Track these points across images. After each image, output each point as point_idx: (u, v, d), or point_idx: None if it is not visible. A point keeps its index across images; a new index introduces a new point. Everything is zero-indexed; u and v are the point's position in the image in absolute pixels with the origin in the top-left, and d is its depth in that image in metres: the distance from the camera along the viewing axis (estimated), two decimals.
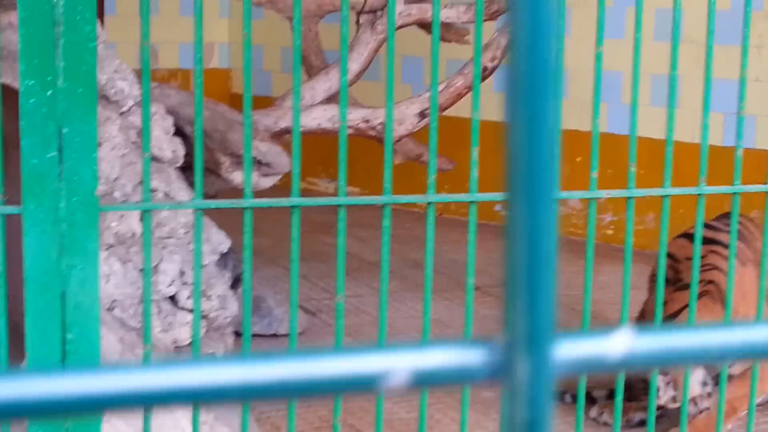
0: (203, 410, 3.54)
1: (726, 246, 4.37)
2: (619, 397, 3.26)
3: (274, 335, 5.84)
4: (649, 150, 7.54)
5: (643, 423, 3.94)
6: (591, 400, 5.00)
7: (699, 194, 3.24)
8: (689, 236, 4.78)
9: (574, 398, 4.45)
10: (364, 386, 0.51)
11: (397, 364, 0.51)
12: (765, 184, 3.30)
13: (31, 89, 2.61)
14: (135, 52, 7.32)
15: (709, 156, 3.25)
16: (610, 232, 8.21)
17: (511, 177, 0.50)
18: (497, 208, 8.43)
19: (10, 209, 2.71)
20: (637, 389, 4.64)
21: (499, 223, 8.26)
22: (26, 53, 2.61)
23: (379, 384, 0.51)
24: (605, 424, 4.74)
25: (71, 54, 2.61)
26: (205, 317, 4.65)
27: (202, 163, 2.82)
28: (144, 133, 2.71)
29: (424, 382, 0.52)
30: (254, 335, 5.71)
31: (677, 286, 4.57)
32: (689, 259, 4.49)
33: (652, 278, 4.80)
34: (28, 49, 2.61)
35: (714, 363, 0.57)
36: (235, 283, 5.57)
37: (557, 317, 0.52)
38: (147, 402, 0.51)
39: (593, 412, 4.88)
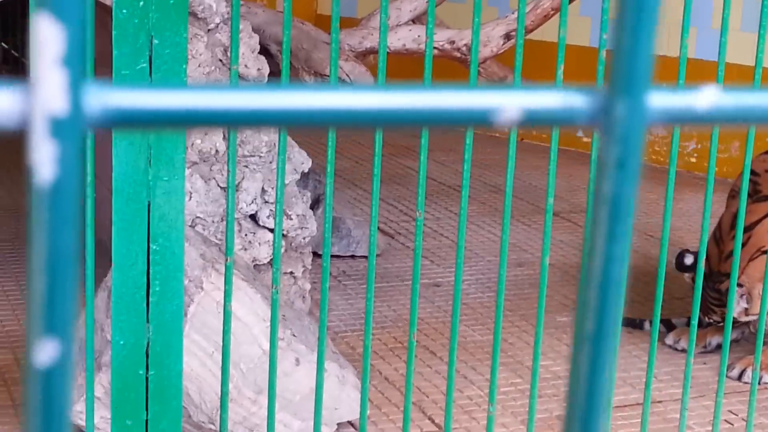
0: (280, 327, 3.58)
1: None
2: (695, 321, 3.25)
3: (353, 256, 5.87)
4: (739, 77, 7.43)
5: (719, 347, 3.94)
6: (670, 327, 5.00)
7: None
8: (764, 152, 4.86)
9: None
10: (480, 119, 0.58)
11: (510, 101, 0.57)
12: None
13: (124, 0, 2.63)
14: None
15: None
16: (693, 160, 8.13)
17: None
18: (579, 133, 8.36)
19: None
20: (710, 300, 4.64)
21: (580, 150, 8.21)
22: None
23: (494, 117, 0.57)
24: (683, 350, 4.73)
25: None
26: (284, 236, 4.69)
27: (287, 80, 2.83)
28: (233, 46, 2.72)
29: (533, 119, 0.58)
30: (333, 256, 5.75)
31: (755, 198, 4.59)
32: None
33: (731, 194, 4.79)
34: None
35: None
36: (315, 203, 5.60)
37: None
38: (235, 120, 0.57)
39: (670, 338, 4.88)
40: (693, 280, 4.56)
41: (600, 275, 0.58)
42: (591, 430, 0.58)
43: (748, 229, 4.45)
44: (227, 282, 2.78)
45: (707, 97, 0.60)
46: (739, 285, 4.31)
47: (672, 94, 0.59)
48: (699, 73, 7.44)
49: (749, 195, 4.56)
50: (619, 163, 0.57)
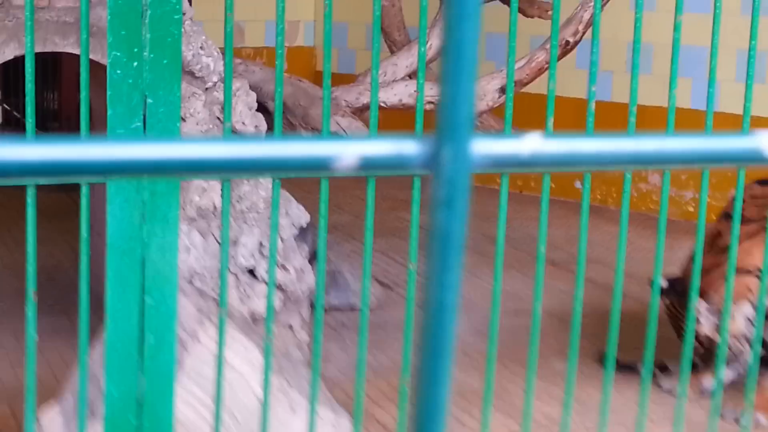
0: (276, 376, 3.63)
1: None
2: (687, 366, 3.30)
3: (352, 309, 5.92)
4: (735, 126, 7.50)
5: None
6: (666, 372, 5.03)
7: None
8: (761, 182, 4.93)
9: (652, 371, 4.51)
10: (320, 166, 0.64)
11: (347, 150, 0.64)
12: None
13: (118, 60, 2.70)
14: (221, 31, 7.43)
15: None
16: (691, 209, 8.18)
17: None
18: (577, 184, 8.43)
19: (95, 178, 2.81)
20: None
21: (578, 200, 8.27)
22: (114, 25, 2.70)
23: (333, 164, 0.64)
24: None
25: (157, 26, 2.70)
26: (282, 289, 4.75)
27: (280, 133, 2.90)
28: (226, 103, 2.79)
29: (369, 165, 0.64)
30: (332, 308, 5.81)
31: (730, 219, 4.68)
32: (754, 197, 4.56)
33: (719, 217, 4.87)
34: (116, 22, 2.70)
35: (609, 169, 0.68)
36: (314, 257, 5.67)
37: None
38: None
39: (666, 383, 4.92)
40: (667, 305, 4.66)
41: (435, 302, 0.63)
42: None
43: (725, 249, 4.53)
44: (221, 333, 2.84)
45: (530, 144, 0.66)
46: (708, 302, 4.43)
47: (494, 140, 0.66)
48: (696, 123, 7.51)
49: (730, 216, 4.68)
50: (447, 203, 0.62)
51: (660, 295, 4.79)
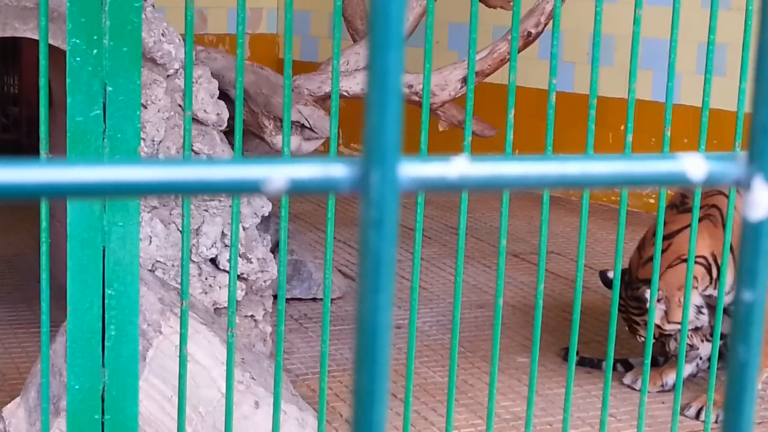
0: (239, 370, 3.60)
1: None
2: (648, 360, 3.30)
3: (314, 299, 5.90)
4: (695, 118, 7.52)
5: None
6: (628, 367, 5.05)
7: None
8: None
9: (614, 366, 4.53)
10: (250, 188, 0.65)
11: (277, 172, 0.64)
12: None
13: (78, 48, 2.66)
14: (183, 17, 7.37)
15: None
16: (651, 201, 8.21)
17: None
18: None
19: None
20: (632, 311, 4.77)
21: (539, 192, 8.26)
22: (73, 12, 2.66)
23: (263, 187, 0.64)
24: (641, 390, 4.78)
25: (117, 13, 2.66)
26: (244, 279, 4.71)
27: (241, 123, 2.87)
28: (186, 91, 2.76)
29: (299, 188, 0.65)
30: (294, 299, 5.77)
31: (681, 209, 4.75)
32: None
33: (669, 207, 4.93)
34: (75, 8, 2.66)
35: (537, 189, 0.70)
36: (276, 246, 5.63)
37: None
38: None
39: (627, 378, 4.93)
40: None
41: (368, 323, 0.63)
42: None
43: (669, 237, 4.57)
44: (183, 326, 2.80)
45: (457, 167, 0.66)
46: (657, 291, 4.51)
47: (422, 163, 0.66)
48: (656, 114, 7.53)
49: (676, 206, 4.75)
50: (376, 224, 0.63)
51: (609, 288, 4.83)
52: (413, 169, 0.65)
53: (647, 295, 4.56)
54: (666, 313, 4.67)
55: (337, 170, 0.64)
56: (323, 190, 0.65)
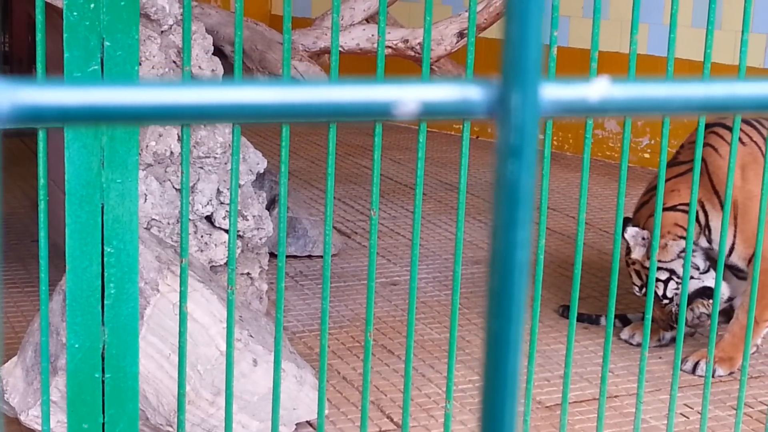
0: (237, 328, 3.58)
1: (726, 128, 4.59)
2: (649, 315, 3.29)
3: (309, 256, 5.88)
4: (690, 72, 7.48)
5: (674, 340, 3.99)
6: (625, 322, 5.05)
7: (724, 124, 3.23)
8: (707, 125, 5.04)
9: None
10: (380, 112, 0.59)
11: (409, 94, 0.59)
12: None
13: (75, 2, 2.62)
14: None
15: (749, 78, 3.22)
16: (647, 155, 8.19)
17: None
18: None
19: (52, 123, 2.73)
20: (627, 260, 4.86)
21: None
22: None
23: (392, 110, 0.59)
24: (638, 344, 4.78)
25: None
26: (240, 237, 4.69)
27: (240, 78, 2.83)
28: (185, 46, 2.72)
29: (431, 111, 0.59)
30: (290, 256, 5.76)
31: (670, 162, 4.84)
32: (691, 142, 4.67)
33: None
34: None
35: (682, 113, 0.66)
36: (271, 203, 5.60)
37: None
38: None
39: (625, 333, 4.94)
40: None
41: (504, 261, 0.59)
42: (506, 414, 0.59)
43: (654, 188, 4.62)
44: (182, 284, 2.78)
45: (599, 89, 0.62)
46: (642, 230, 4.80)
47: (564, 85, 0.61)
48: (652, 68, 7.50)
49: (668, 163, 4.84)
50: (515, 152, 0.58)
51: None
52: (555, 92, 0.61)
53: (626, 234, 4.67)
54: (647, 251, 4.77)
55: (472, 92, 0.59)
56: (458, 115, 0.59)
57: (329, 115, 0.59)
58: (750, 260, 4.65)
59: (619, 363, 4.68)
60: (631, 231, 4.81)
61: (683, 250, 4.68)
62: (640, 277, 4.85)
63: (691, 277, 4.70)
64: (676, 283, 4.73)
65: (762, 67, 6.91)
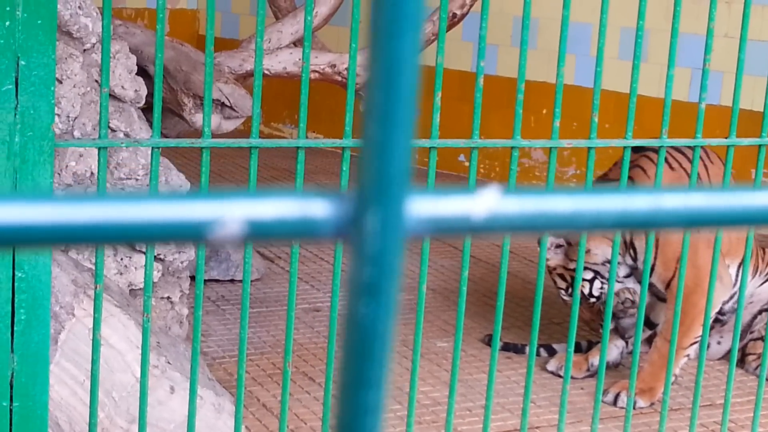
0: (154, 355, 3.51)
1: (656, 151, 4.66)
2: (571, 349, 3.27)
3: (232, 280, 5.81)
4: (616, 103, 7.53)
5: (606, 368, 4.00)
6: (551, 353, 5.03)
7: (660, 146, 3.23)
8: (634, 149, 5.05)
9: (537, 352, 4.50)
10: (192, 234, 0.47)
11: (230, 212, 0.47)
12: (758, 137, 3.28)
13: None
14: None
15: (674, 111, 3.22)
16: (572, 184, 8.21)
17: None
18: (461, 158, 8.40)
19: None
20: None
21: (462, 174, 8.24)
22: None
23: (209, 232, 0.46)
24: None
25: None
26: (161, 260, 4.61)
27: (161, 101, 2.78)
28: (104, 67, 2.66)
29: (260, 233, 0.47)
30: (211, 280, 5.68)
31: (599, 178, 4.92)
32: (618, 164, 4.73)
33: (594, 181, 5.05)
34: None
35: (574, 232, 0.52)
36: None
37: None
38: None
39: (552, 365, 4.91)
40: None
41: (356, 410, 0.47)
42: None
43: None
44: (96, 310, 2.71)
45: (485, 203, 0.49)
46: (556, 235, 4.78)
47: (440, 198, 0.48)
48: (579, 99, 7.53)
49: (603, 179, 4.93)
50: (369, 289, 0.46)
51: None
52: (426, 207, 0.47)
53: (548, 241, 4.74)
54: (566, 255, 4.85)
55: (316, 208, 0.46)
56: (297, 237, 0.46)
57: (131, 239, 0.47)
58: (668, 284, 4.67)
59: (541, 394, 4.66)
60: (550, 241, 4.85)
61: (608, 260, 4.70)
62: (564, 279, 4.88)
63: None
64: (601, 282, 4.76)
65: (686, 100, 6.96)
